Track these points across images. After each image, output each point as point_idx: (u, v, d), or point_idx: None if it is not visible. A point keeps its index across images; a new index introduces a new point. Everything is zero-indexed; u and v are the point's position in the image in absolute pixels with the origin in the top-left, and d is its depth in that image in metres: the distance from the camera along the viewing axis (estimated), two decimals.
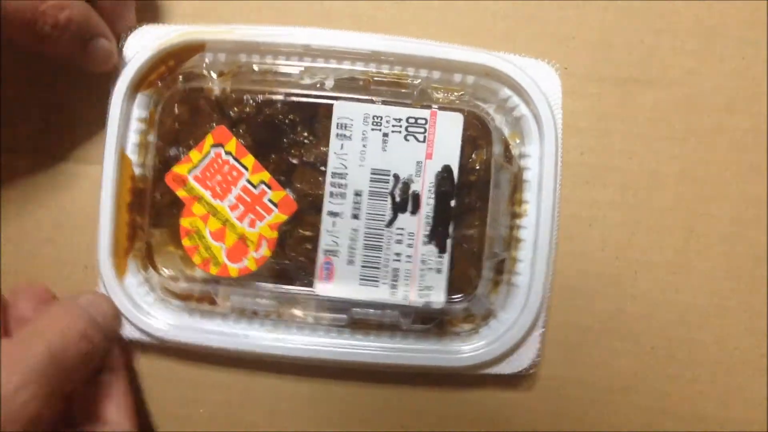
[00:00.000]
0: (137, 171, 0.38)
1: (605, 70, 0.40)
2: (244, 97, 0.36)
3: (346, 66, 0.38)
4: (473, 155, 0.36)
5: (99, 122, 0.38)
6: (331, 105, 0.36)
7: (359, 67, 0.38)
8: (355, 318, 0.37)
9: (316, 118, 0.36)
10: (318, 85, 0.37)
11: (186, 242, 0.35)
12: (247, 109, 0.36)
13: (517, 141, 0.38)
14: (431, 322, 0.37)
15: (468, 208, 0.36)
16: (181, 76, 0.38)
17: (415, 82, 0.37)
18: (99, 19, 0.34)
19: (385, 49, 0.37)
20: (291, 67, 0.38)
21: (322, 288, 0.35)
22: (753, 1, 0.40)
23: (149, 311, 0.38)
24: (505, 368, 0.38)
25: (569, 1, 0.39)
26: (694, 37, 0.40)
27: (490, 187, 0.36)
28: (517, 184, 0.38)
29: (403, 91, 0.37)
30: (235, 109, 0.36)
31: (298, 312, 0.38)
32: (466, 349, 0.37)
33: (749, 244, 0.40)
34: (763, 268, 0.40)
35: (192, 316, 0.38)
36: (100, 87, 0.38)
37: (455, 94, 0.38)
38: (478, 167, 0.36)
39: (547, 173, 0.37)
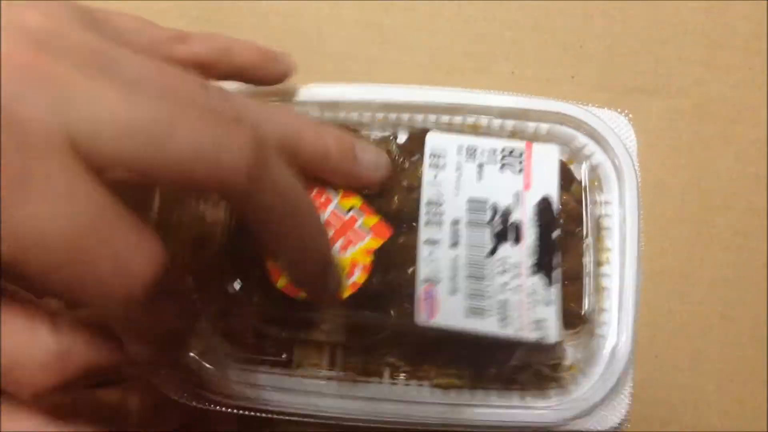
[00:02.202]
0: None
1: (612, 79, 0.40)
2: None
3: (419, 118, 0.38)
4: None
5: None
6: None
7: (432, 118, 0.38)
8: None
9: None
10: (391, 138, 0.37)
11: (271, 263, 0.32)
12: None
13: (596, 186, 0.38)
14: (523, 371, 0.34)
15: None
16: None
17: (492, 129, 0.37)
18: None
19: (459, 101, 0.37)
20: (363, 119, 0.38)
21: (424, 317, 0.31)
22: (760, 11, 0.42)
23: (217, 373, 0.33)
24: (592, 424, 0.35)
25: (576, 10, 0.41)
26: (701, 47, 0.41)
27: (581, 230, 0.35)
28: (598, 231, 0.37)
29: None
30: None
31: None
32: (550, 405, 0.35)
33: (754, 254, 0.39)
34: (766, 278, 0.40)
35: (259, 374, 0.34)
36: None
37: None
38: (570, 207, 0.35)
39: (630, 223, 0.36)
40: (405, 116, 0.38)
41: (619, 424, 0.35)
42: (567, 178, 0.38)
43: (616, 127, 0.38)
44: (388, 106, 0.37)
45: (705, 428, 0.38)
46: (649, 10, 0.42)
